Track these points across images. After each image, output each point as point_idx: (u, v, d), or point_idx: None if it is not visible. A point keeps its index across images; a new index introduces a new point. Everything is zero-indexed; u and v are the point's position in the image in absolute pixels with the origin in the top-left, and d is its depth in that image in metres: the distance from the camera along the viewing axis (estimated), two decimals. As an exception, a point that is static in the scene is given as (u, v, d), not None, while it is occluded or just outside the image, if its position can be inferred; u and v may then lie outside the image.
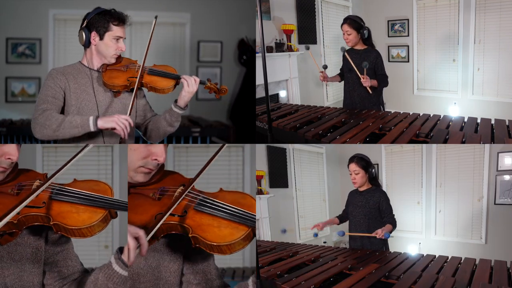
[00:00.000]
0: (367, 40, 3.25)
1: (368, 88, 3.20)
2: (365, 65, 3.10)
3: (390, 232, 2.94)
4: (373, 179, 3.15)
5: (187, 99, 2.31)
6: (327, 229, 5.81)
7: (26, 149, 4.47)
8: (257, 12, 2.25)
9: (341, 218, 3.38)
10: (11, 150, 1.58)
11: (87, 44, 2.29)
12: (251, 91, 5.02)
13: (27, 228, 1.55)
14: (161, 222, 1.43)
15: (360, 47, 3.26)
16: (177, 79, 2.32)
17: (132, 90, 2.29)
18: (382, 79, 3.27)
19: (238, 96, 5.34)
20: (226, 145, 1.74)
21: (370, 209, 3.09)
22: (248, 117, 4.64)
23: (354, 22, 3.20)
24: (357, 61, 3.21)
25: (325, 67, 3.36)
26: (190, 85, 2.28)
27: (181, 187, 1.58)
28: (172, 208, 1.47)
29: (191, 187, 1.57)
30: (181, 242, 1.63)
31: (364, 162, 3.08)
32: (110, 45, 2.28)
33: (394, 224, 3.03)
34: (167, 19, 5.19)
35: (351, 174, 3.13)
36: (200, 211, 1.51)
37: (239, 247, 1.44)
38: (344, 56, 3.36)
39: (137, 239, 1.37)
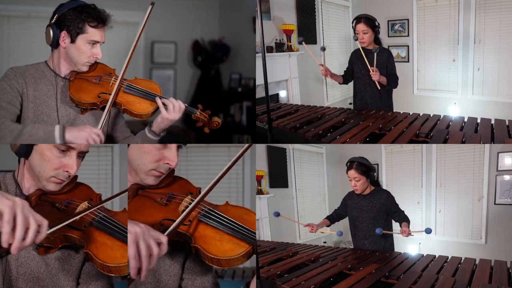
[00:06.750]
0: (377, 38, 3.17)
1: (376, 83, 3.07)
2: (375, 50, 2.95)
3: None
4: (375, 182, 3.04)
5: (164, 126, 1.90)
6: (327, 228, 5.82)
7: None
8: (257, 12, 2.23)
9: (332, 219, 3.27)
10: (71, 163, 1.53)
11: (54, 45, 1.85)
12: (205, 94, 4.84)
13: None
14: (173, 230, 1.40)
15: (372, 46, 3.16)
16: None
17: (102, 109, 1.87)
18: (393, 79, 3.20)
19: (193, 99, 5.13)
20: (253, 144, 1.70)
21: (377, 212, 3.00)
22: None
23: (369, 20, 3.07)
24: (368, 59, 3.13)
25: (323, 48, 3.14)
26: (170, 112, 1.86)
27: (189, 196, 1.55)
28: (184, 219, 1.43)
29: (201, 199, 1.49)
30: (181, 247, 1.61)
31: (364, 167, 2.93)
32: (83, 50, 1.84)
33: (408, 220, 2.96)
34: (119, 18, 4.99)
35: (351, 181, 2.98)
36: (204, 223, 1.47)
37: (238, 262, 1.40)
38: (352, 55, 3.28)
39: (159, 244, 1.31)
